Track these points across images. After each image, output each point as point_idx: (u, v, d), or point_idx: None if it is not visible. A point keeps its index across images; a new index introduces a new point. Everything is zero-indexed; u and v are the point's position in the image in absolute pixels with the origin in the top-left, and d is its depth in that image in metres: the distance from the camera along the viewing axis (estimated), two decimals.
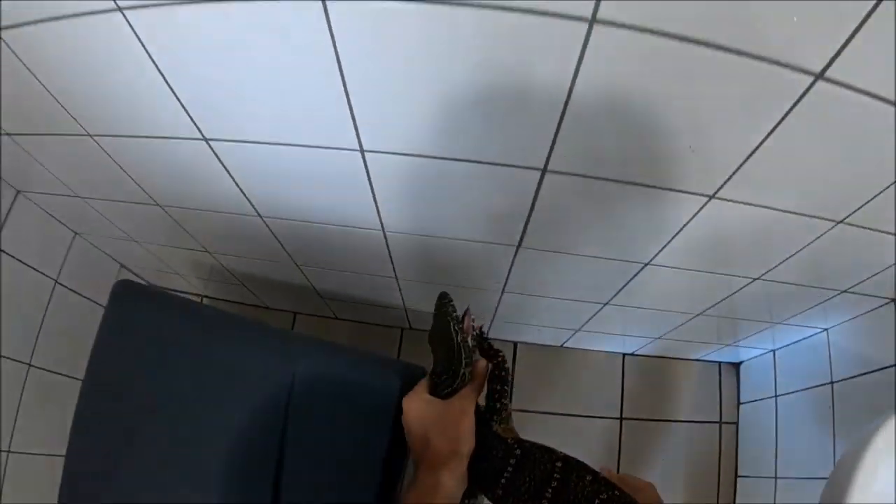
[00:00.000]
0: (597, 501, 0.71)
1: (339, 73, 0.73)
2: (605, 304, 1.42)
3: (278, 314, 2.05)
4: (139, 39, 0.73)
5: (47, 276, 1.52)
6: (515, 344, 1.93)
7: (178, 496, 1.13)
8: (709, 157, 0.83)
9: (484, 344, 0.88)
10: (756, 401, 1.76)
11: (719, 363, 1.92)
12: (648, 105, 0.73)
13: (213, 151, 0.98)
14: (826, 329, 1.44)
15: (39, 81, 0.86)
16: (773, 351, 1.69)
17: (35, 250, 1.45)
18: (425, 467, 0.75)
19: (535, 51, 0.65)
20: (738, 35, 0.60)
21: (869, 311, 1.28)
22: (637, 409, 1.84)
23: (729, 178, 0.86)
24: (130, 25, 0.71)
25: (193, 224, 1.35)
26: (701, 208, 0.95)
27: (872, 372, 1.27)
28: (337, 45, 0.68)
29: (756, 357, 1.79)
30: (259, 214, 1.21)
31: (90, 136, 1.00)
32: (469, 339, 0.82)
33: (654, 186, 0.89)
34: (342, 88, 0.76)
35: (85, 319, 1.65)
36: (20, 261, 1.41)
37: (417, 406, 0.82)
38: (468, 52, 0.68)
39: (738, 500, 1.78)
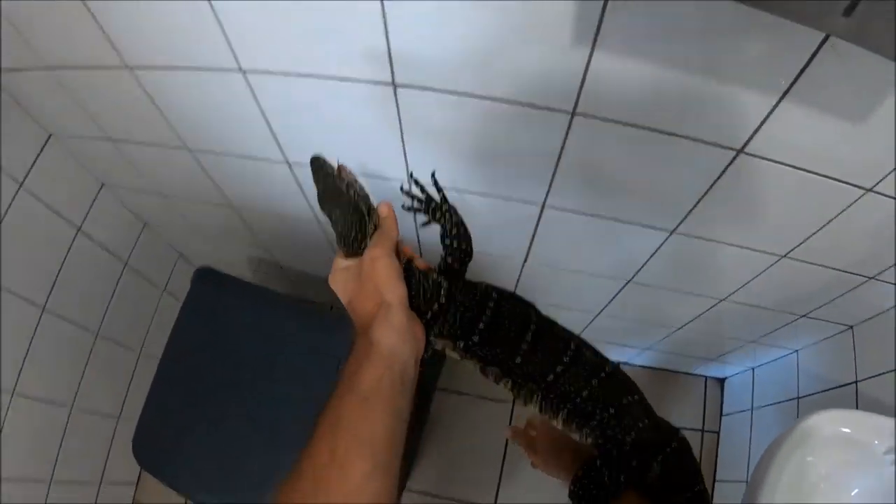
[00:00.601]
0: (572, 344, 0.72)
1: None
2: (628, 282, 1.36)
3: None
4: None
5: (70, 222, 1.51)
6: None
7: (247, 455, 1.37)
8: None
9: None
10: (736, 413, 1.93)
11: (706, 378, 2.09)
12: None
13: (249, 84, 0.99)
14: (797, 350, 1.61)
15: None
16: (753, 368, 1.86)
17: (61, 197, 1.45)
18: (358, 333, 0.67)
19: None
20: None
21: (830, 337, 1.44)
22: None
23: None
24: None
25: (219, 172, 1.34)
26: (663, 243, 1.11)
27: (831, 389, 1.42)
28: None
29: (739, 374, 1.96)
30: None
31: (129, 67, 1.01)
32: (360, 188, 0.75)
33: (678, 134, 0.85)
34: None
35: (103, 271, 1.69)
36: (46, 204, 1.41)
37: (336, 278, 0.74)
38: None
39: (715, 502, 1.92)
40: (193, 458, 1.36)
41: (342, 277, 0.73)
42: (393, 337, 0.63)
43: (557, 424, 0.75)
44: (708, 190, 0.94)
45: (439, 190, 0.79)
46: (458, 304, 0.72)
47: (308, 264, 1.87)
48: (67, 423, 1.70)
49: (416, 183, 0.80)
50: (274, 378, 1.38)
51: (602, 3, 0.67)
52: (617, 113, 0.83)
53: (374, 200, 0.75)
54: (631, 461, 0.70)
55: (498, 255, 1.35)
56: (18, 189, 1.31)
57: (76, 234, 1.53)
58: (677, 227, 1.06)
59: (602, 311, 1.55)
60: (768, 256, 1.10)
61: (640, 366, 2.08)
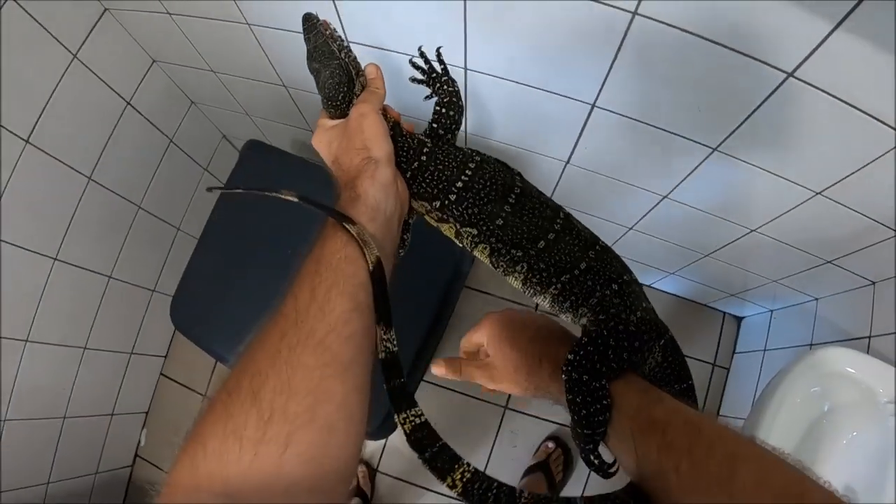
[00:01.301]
0: (561, 213, 0.70)
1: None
2: (664, 198, 1.36)
3: None
4: None
5: (120, 96, 1.58)
6: None
7: None
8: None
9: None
10: (749, 352, 1.97)
11: (724, 313, 2.13)
12: None
13: None
14: (816, 298, 1.63)
15: None
16: (771, 311, 1.88)
17: (113, 70, 1.51)
18: (343, 186, 0.66)
19: None
20: None
21: (852, 290, 1.45)
22: None
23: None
24: None
25: (276, 50, 1.37)
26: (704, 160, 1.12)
27: (845, 340, 1.46)
28: None
29: (757, 314, 1.98)
30: None
31: None
32: (349, 51, 0.76)
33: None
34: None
35: (148, 146, 1.79)
36: (98, 76, 1.47)
37: (320, 137, 0.75)
38: None
39: None
40: (226, 324, 1.41)
41: (327, 136, 0.73)
42: (379, 191, 0.63)
43: (544, 302, 0.71)
44: (754, 111, 0.94)
45: (441, 63, 0.80)
46: (438, 162, 0.71)
47: None
48: (105, 292, 1.84)
49: (422, 55, 0.80)
50: None
51: None
52: (676, 18, 0.83)
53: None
54: (634, 341, 0.64)
55: (543, 153, 1.36)
56: (72, 60, 1.37)
57: (125, 107, 1.60)
58: (719, 144, 1.06)
59: (634, 225, 1.57)
60: (803, 191, 1.10)
61: (662, 290, 2.12)
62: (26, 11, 1.22)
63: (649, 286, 2.10)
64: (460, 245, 0.74)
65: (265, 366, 0.47)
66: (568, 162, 1.35)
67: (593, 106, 1.10)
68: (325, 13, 0.78)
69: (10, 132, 1.30)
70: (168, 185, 1.95)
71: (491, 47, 1.06)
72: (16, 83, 1.26)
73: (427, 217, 0.75)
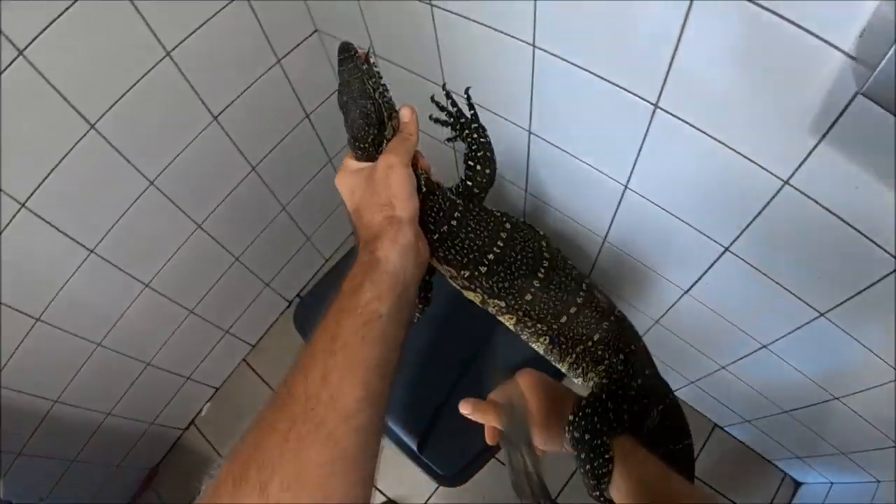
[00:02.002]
0: (584, 284, 0.71)
1: None
2: (763, 347, 1.32)
3: None
4: None
5: (302, 105, 1.70)
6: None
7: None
8: None
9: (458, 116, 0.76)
10: None
11: (785, 474, 1.98)
12: None
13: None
14: (878, 481, 1.48)
15: None
16: (832, 483, 1.73)
17: (303, 83, 1.63)
18: (361, 245, 0.63)
19: None
20: None
21: None
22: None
23: None
24: None
25: None
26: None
27: None
28: None
29: (817, 483, 1.83)
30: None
31: None
32: (385, 89, 0.70)
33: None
34: None
35: (313, 157, 1.89)
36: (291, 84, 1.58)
37: (343, 181, 0.70)
38: None
39: None
40: None
41: (351, 180, 0.69)
42: (400, 257, 0.61)
43: (562, 367, 0.74)
44: (867, 288, 0.92)
45: (471, 107, 0.75)
46: (470, 229, 0.68)
47: None
48: (228, 270, 1.97)
49: (448, 96, 0.76)
50: None
51: None
52: (823, 196, 0.84)
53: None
54: (634, 405, 0.68)
55: (664, 275, 1.36)
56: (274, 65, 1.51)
57: (303, 119, 1.74)
58: (828, 311, 1.04)
59: (727, 366, 1.54)
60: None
61: (732, 435, 2.01)
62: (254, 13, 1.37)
63: (722, 428, 2.02)
64: (486, 309, 0.73)
65: (274, 457, 0.47)
66: (687, 291, 1.34)
67: (727, 249, 1.10)
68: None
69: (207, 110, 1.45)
70: (313, 197, 2.08)
71: (658, 167, 1.06)
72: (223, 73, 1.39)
73: (451, 280, 0.73)
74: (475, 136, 0.74)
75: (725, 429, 2.01)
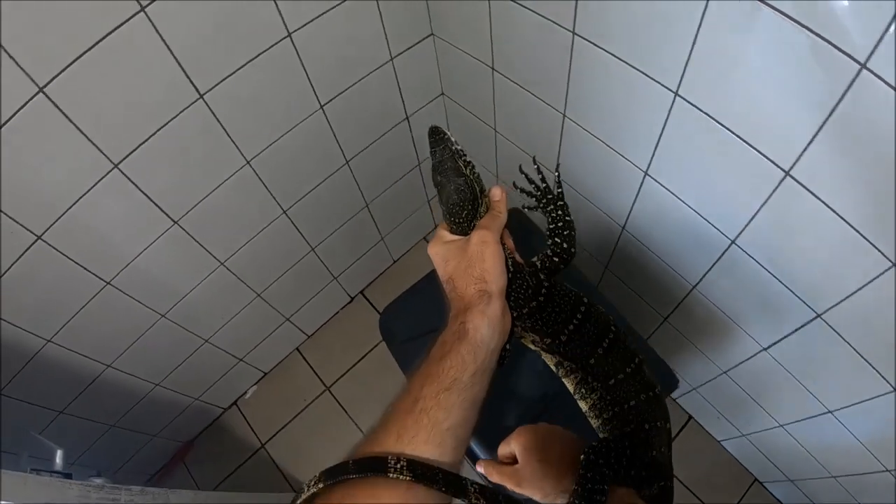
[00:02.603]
0: (636, 359, 0.76)
1: None
2: (829, 412, 1.29)
3: None
4: None
5: (405, 107, 1.68)
6: None
7: None
8: None
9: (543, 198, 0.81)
10: None
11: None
12: None
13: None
14: None
15: None
16: None
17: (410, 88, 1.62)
18: (453, 313, 0.67)
19: None
20: None
21: None
22: None
23: None
24: None
25: None
26: None
27: None
28: None
29: None
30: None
31: None
32: (474, 167, 0.75)
33: None
34: None
35: (404, 160, 1.84)
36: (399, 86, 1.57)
37: (437, 250, 0.74)
38: None
39: None
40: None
41: (444, 251, 0.73)
42: (488, 329, 0.64)
43: (595, 422, 0.79)
44: None
45: (559, 185, 0.81)
46: (555, 305, 0.74)
47: None
48: (302, 259, 1.91)
49: (539, 170, 0.82)
50: None
51: None
52: None
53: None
54: (641, 471, 0.71)
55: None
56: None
57: (403, 120, 1.69)
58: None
59: (785, 424, 1.50)
60: None
61: (771, 493, 1.93)
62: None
63: (762, 484, 1.95)
64: (552, 368, 0.80)
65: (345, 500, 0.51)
66: (766, 349, 1.31)
67: (819, 316, 1.06)
68: None
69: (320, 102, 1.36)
70: (395, 199, 2.02)
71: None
72: None
73: (529, 344, 0.79)
74: (560, 212, 0.79)
75: (765, 485, 1.92)
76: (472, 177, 0.74)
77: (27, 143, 1.02)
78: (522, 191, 0.82)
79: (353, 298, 2.43)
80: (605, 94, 1.14)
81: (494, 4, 1.22)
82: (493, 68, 1.42)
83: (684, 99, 0.96)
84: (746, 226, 1.06)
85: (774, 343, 1.26)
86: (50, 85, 0.97)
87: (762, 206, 0.99)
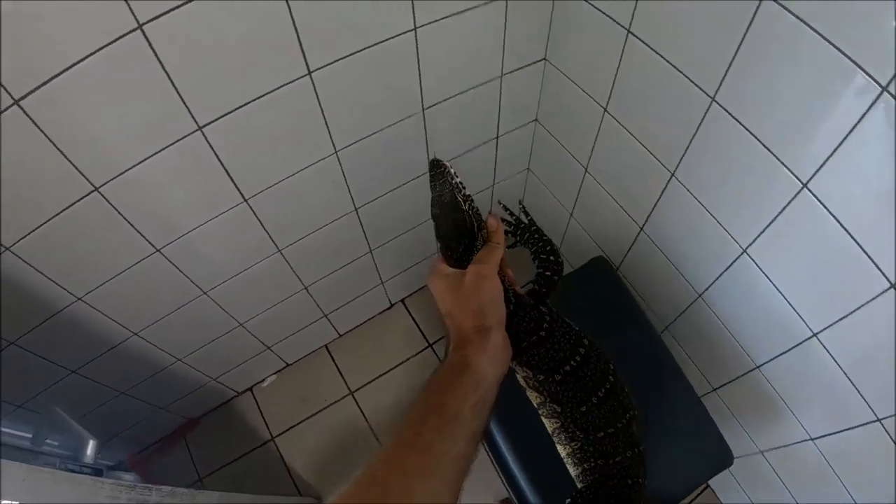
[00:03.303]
0: (630, 413, 0.78)
1: None
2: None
3: None
4: None
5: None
6: None
7: None
8: None
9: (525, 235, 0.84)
10: None
11: None
12: None
13: None
14: None
15: None
16: None
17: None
18: (453, 347, 0.67)
19: None
20: None
21: None
22: None
23: None
24: None
25: None
26: None
27: None
28: None
29: None
30: None
31: None
32: (472, 201, 0.74)
33: None
34: None
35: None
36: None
37: (436, 284, 0.73)
38: None
39: None
40: None
41: (443, 284, 0.72)
42: (488, 361, 0.65)
43: (574, 470, 0.81)
44: None
45: (527, 213, 0.85)
46: (555, 340, 0.74)
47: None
48: (356, 259, 1.79)
49: (505, 208, 0.87)
50: None
51: None
52: None
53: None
54: None
55: None
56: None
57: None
58: None
59: None
60: None
61: None
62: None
63: None
64: (535, 406, 0.80)
65: None
66: (813, 440, 1.25)
67: (879, 420, 1.03)
68: None
69: None
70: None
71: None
72: None
73: (520, 379, 0.79)
74: (537, 235, 0.81)
75: None
76: (470, 211, 0.72)
77: (107, 80, 0.87)
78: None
79: (392, 305, 2.28)
80: (726, 166, 1.06)
81: (632, 47, 1.10)
82: (605, 109, 1.30)
83: (812, 193, 0.90)
84: (834, 324, 1.00)
85: (824, 436, 1.21)
86: (149, 24, 0.82)
87: (857, 309, 0.93)
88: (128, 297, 1.32)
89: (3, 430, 1.48)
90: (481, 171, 1.75)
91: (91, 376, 1.51)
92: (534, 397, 0.80)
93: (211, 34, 0.89)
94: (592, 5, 1.14)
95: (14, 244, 1.03)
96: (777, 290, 1.10)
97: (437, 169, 0.73)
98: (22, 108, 0.82)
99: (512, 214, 0.85)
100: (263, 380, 2.17)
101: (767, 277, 1.10)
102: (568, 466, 0.81)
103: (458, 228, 0.72)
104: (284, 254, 1.50)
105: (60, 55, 0.80)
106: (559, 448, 0.80)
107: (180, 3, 0.82)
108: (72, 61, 0.81)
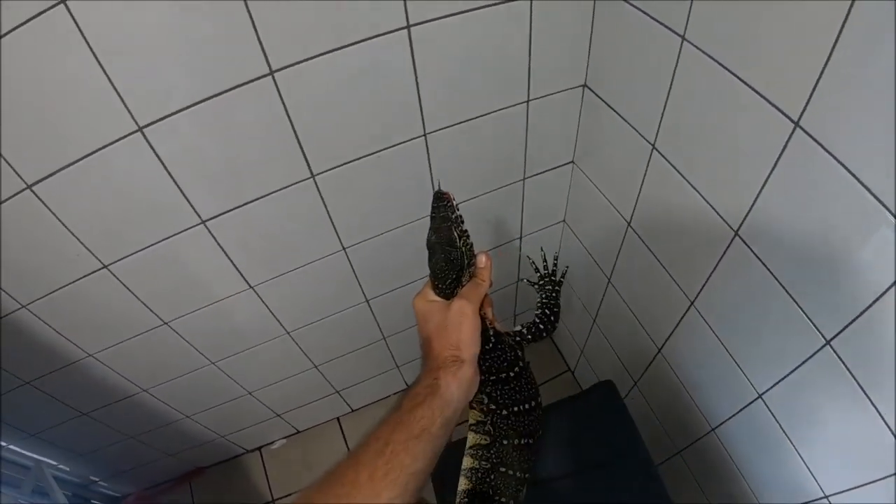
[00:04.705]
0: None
1: None
2: None
3: None
4: None
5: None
6: None
7: None
8: None
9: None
10: None
11: None
12: None
13: None
14: None
15: None
16: None
17: None
18: (427, 369, 0.72)
19: None
20: None
21: None
22: None
23: None
24: None
25: None
26: None
27: None
28: None
29: None
30: None
31: None
32: (468, 237, 0.79)
33: None
34: None
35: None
36: None
37: (421, 307, 0.79)
38: None
39: None
40: None
41: (427, 309, 0.78)
42: (458, 389, 0.70)
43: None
44: None
45: (561, 271, 1.01)
46: (524, 381, 0.82)
47: None
48: (369, 345, 1.79)
49: (545, 256, 1.04)
50: None
51: None
52: None
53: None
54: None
55: None
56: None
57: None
58: None
59: None
60: None
61: None
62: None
63: None
64: (469, 421, 0.86)
65: None
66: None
67: None
68: None
69: None
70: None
71: None
72: None
73: (474, 405, 0.84)
74: (556, 293, 0.95)
75: None
76: (463, 248, 0.77)
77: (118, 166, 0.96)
78: (534, 263, 1.03)
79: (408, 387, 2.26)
80: (751, 305, 0.99)
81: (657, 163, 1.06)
82: (629, 222, 1.26)
83: (838, 356, 0.83)
84: (854, 490, 0.94)
85: None
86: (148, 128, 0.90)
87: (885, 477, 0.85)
88: (138, 359, 1.40)
89: (15, 449, 1.59)
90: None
91: (102, 420, 1.60)
92: (472, 415, 0.85)
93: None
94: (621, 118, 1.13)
95: (29, 303, 1.13)
96: (788, 439, 1.05)
97: (441, 201, 0.76)
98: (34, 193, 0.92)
99: (553, 264, 1.02)
100: (273, 442, 2.21)
101: (779, 424, 1.06)
102: (465, 458, 0.86)
103: (449, 263, 0.76)
104: (294, 336, 1.55)
105: (75, 145, 0.90)
106: (467, 458, 0.85)
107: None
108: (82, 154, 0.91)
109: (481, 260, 0.80)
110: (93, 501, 2.02)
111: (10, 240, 1.00)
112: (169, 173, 0.99)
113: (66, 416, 1.53)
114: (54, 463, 1.77)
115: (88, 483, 2.01)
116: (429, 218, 0.78)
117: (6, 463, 1.62)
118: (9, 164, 0.87)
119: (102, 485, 2.05)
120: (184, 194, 1.03)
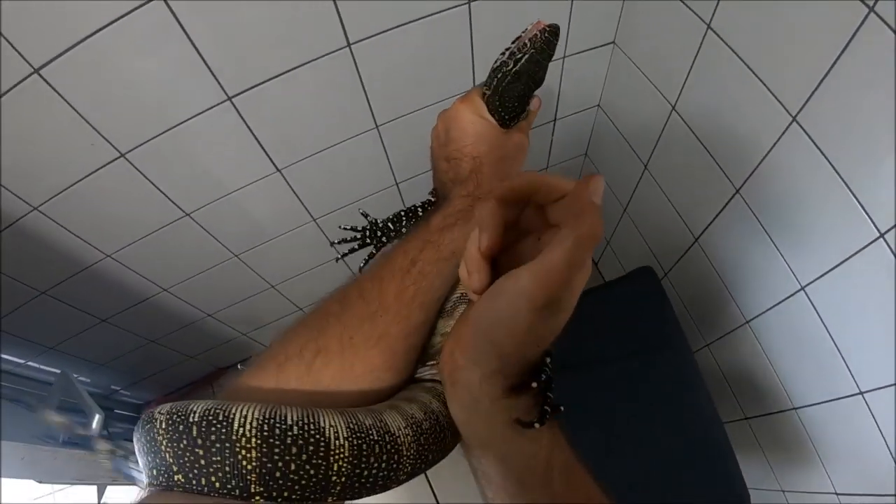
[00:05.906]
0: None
1: None
2: None
3: None
4: None
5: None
6: None
7: None
8: None
9: None
10: None
11: None
12: None
13: None
14: None
15: None
16: None
17: None
18: (463, 192, 0.60)
19: None
20: None
21: None
22: None
23: None
24: None
25: None
26: None
27: None
28: None
29: None
30: None
31: None
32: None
33: None
34: None
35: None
36: None
37: (475, 122, 0.65)
38: None
39: None
40: None
41: (483, 127, 0.63)
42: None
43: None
44: None
45: (366, 215, 0.78)
46: None
47: None
48: None
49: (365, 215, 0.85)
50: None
51: None
52: None
53: None
54: None
55: None
56: None
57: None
58: None
59: None
60: None
61: None
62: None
63: None
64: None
65: (333, 348, 0.48)
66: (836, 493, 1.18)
67: None
68: None
69: None
70: None
71: None
72: None
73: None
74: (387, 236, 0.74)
75: None
76: (539, 84, 0.66)
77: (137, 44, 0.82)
78: (343, 241, 0.72)
79: None
80: (799, 194, 0.96)
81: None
82: (673, 107, 1.19)
83: (892, 250, 0.79)
84: (884, 388, 0.93)
85: (850, 495, 1.15)
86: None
87: None
88: (158, 256, 1.31)
89: (34, 365, 1.52)
90: (536, 151, 1.66)
91: (122, 325, 1.52)
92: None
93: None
94: None
95: (42, 204, 1.01)
96: (830, 337, 1.01)
97: (556, 38, 0.64)
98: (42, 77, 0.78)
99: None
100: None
101: (822, 322, 1.01)
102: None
103: (525, 92, 0.66)
104: (320, 224, 1.45)
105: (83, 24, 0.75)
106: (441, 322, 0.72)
107: None
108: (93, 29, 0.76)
109: (535, 103, 0.69)
110: (116, 411, 1.99)
111: (18, 134, 0.87)
112: (192, 43, 0.85)
113: (85, 325, 1.45)
114: (75, 375, 1.71)
115: (110, 393, 1.96)
116: (515, 49, 0.65)
117: (27, 381, 1.56)
118: (12, 46, 0.73)
119: (124, 393, 2.01)
120: (209, 67, 0.90)
